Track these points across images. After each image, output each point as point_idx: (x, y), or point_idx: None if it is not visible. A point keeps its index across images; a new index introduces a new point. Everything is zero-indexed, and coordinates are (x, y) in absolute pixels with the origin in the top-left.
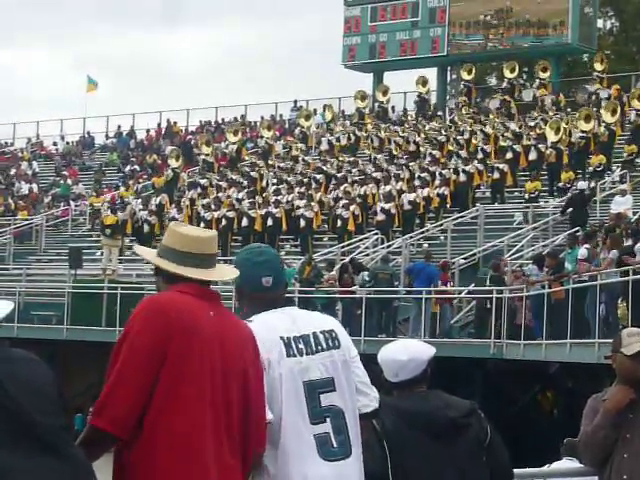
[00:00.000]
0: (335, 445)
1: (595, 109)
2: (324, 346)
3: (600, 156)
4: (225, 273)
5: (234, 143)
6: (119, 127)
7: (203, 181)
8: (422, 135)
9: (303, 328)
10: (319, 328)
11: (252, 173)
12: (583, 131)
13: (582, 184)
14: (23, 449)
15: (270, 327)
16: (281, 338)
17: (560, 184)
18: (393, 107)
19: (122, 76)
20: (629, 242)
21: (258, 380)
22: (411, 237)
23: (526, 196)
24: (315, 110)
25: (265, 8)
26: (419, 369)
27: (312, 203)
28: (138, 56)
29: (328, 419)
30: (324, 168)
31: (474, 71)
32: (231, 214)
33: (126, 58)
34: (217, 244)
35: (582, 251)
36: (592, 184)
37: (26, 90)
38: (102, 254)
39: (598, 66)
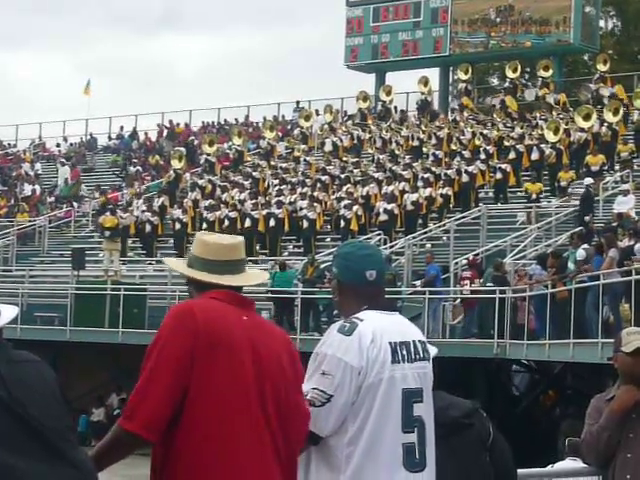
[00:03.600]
0: (417, 456)
1: (597, 107)
2: (421, 356)
3: (600, 156)
4: (253, 278)
5: (239, 145)
6: (122, 128)
7: (201, 181)
8: (424, 132)
9: (406, 335)
10: (417, 337)
11: (254, 174)
12: (582, 129)
13: (588, 180)
14: (29, 452)
15: (380, 331)
16: (389, 343)
17: (563, 183)
18: (396, 107)
19: (123, 79)
20: (631, 242)
21: (297, 384)
22: (414, 237)
23: (533, 196)
24: (317, 111)
25: (266, 10)
26: None
27: (315, 204)
28: (139, 59)
29: (416, 429)
30: (328, 169)
31: (471, 71)
32: (233, 215)
33: (127, 61)
34: (244, 250)
35: (580, 252)
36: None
37: (28, 93)
38: (104, 256)
39: (601, 67)
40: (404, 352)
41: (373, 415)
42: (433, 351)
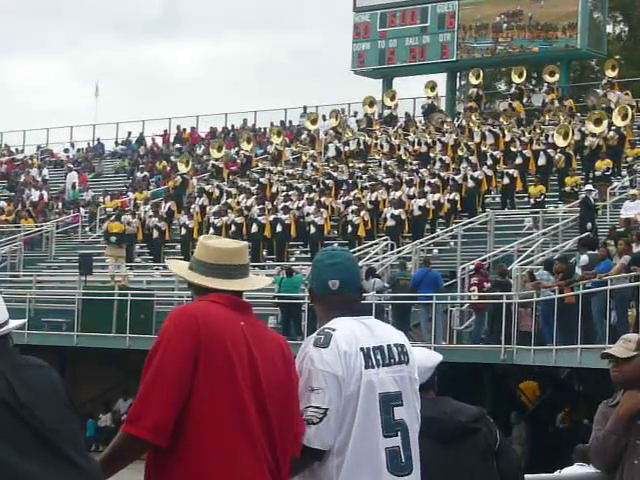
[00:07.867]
0: (403, 460)
1: (606, 112)
2: (397, 359)
3: (606, 160)
4: (255, 283)
5: (246, 151)
6: (129, 134)
7: (208, 187)
8: (430, 135)
9: (379, 339)
10: (392, 341)
11: (261, 179)
12: (593, 134)
13: (588, 187)
14: (36, 455)
15: (351, 338)
16: (361, 349)
17: (567, 188)
18: (407, 114)
19: (123, 83)
20: (639, 248)
21: (292, 388)
22: (421, 243)
23: (532, 201)
24: (324, 116)
25: (272, 14)
26: (425, 376)
27: (322, 209)
28: (143, 65)
29: (399, 433)
30: (334, 174)
31: (482, 75)
32: (239, 220)
33: (127, 65)
34: (247, 254)
35: (584, 258)
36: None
37: (28, 99)
38: (110, 262)
39: (610, 73)
40: (378, 357)
41: (356, 423)
42: (437, 358)
